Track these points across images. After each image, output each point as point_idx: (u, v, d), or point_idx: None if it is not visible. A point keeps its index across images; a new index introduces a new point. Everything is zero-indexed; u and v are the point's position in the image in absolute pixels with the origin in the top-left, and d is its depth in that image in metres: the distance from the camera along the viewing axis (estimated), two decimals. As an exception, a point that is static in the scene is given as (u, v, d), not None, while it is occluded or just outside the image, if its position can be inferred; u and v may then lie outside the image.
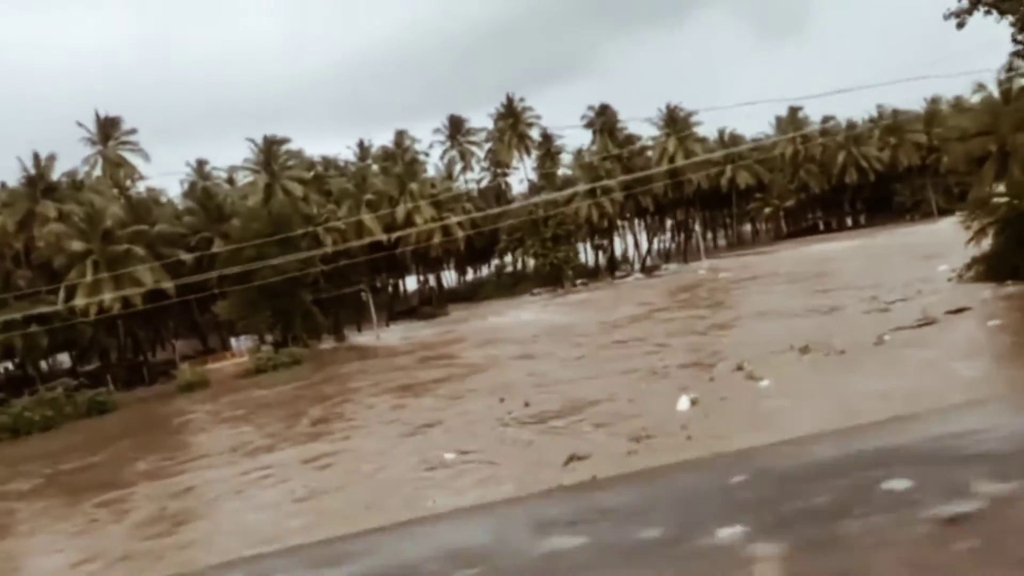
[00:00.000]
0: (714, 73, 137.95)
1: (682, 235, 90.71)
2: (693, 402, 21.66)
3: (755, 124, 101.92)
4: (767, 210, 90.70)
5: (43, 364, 54.34)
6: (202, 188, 63.13)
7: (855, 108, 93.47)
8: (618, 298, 58.43)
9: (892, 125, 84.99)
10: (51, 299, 47.84)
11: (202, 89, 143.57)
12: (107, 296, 44.89)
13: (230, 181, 72.86)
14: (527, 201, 73.50)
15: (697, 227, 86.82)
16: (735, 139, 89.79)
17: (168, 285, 50.87)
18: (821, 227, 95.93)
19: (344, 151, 78.07)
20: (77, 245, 46.07)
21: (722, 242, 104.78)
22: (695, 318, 42.09)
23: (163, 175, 70.44)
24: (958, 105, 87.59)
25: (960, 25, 26.31)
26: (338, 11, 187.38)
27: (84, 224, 46.69)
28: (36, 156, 49.09)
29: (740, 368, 25.21)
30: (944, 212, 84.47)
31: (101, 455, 31.70)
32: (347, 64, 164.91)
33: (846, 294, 38.84)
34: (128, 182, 59.19)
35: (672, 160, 71.88)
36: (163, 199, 66.37)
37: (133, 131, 58.29)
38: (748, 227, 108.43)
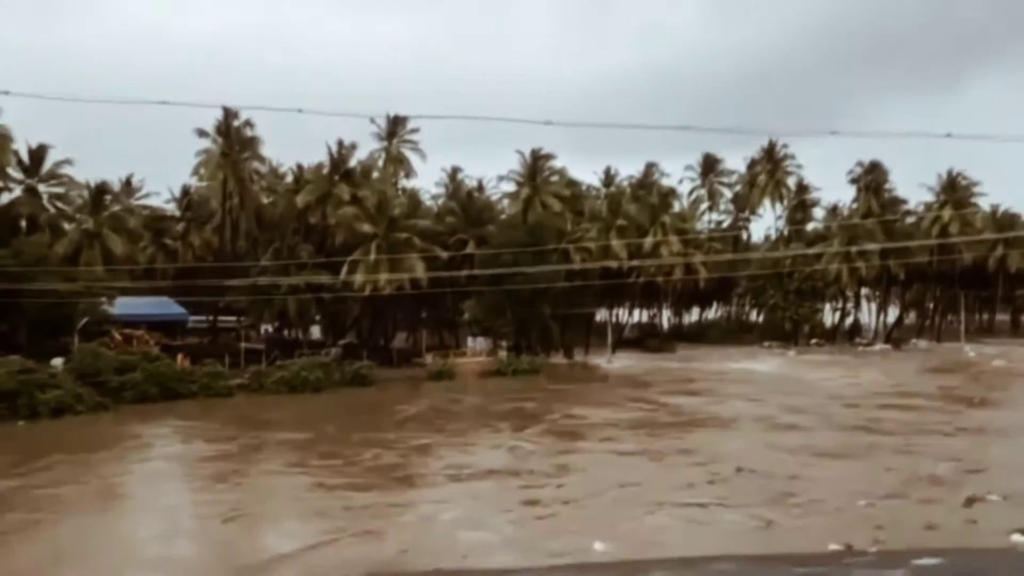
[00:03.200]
0: (988, 149, 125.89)
1: (936, 312, 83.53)
2: None
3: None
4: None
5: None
6: (466, 192, 66.47)
7: None
8: (869, 367, 54.67)
9: None
10: (323, 274, 52.11)
11: (463, 100, 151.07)
12: (384, 277, 48.21)
13: (480, 188, 76.31)
14: (779, 251, 70.90)
15: (962, 306, 79.68)
16: (1010, 217, 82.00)
17: (422, 275, 53.38)
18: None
19: (589, 176, 79.47)
20: (367, 227, 50.00)
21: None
22: (955, 412, 36.36)
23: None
24: None
25: None
26: (597, 36, 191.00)
27: (375, 210, 50.64)
28: (340, 143, 53.91)
29: (971, 503, 19.86)
30: None
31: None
32: (598, 90, 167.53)
33: None
34: (402, 176, 63.51)
35: (945, 230, 66.54)
36: (424, 197, 70.52)
37: (416, 131, 62.63)
38: (1006, 316, 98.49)
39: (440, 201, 71.35)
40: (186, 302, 53.66)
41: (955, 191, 70.26)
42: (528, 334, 58.92)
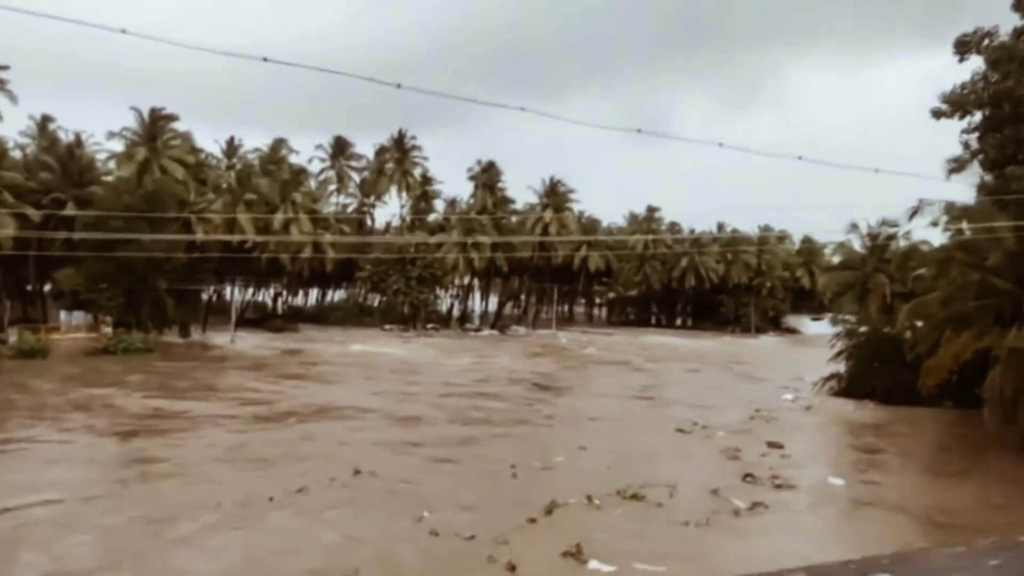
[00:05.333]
0: (583, 156, 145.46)
1: (530, 301, 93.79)
2: None
3: (610, 214, 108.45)
4: (611, 295, 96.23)
5: None
6: (66, 146, 58.07)
7: (699, 222, 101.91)
8: (486, 352, 58.63)
9: (731, 243, 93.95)
10: None
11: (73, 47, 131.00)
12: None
13: (78, 143, 67.33)
14: (402, 236, 73.64)
15: (555, 298, 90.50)
16: (592, 223, 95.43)
17: (10, 235, 46.36)
18: (653, 321, 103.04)
19: (210, 144, 74.25)
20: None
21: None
22: (543, 401, 36.36)
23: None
24: (783, 237, 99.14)
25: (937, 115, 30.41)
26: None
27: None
28: None
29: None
30: (760, 330, 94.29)
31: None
32: (234, 60, 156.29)
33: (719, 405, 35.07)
34: (-19, 119, 53.04)
35: (545, 230, 75.05)
36: (10, 147, 60.11)
37: (5, 68, 52.63)
38: (580, 308, 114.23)
39: (29, 152, 61.57)
40: None
41: (555, 196, 79.63)
42: (138, 309, 53.54)
